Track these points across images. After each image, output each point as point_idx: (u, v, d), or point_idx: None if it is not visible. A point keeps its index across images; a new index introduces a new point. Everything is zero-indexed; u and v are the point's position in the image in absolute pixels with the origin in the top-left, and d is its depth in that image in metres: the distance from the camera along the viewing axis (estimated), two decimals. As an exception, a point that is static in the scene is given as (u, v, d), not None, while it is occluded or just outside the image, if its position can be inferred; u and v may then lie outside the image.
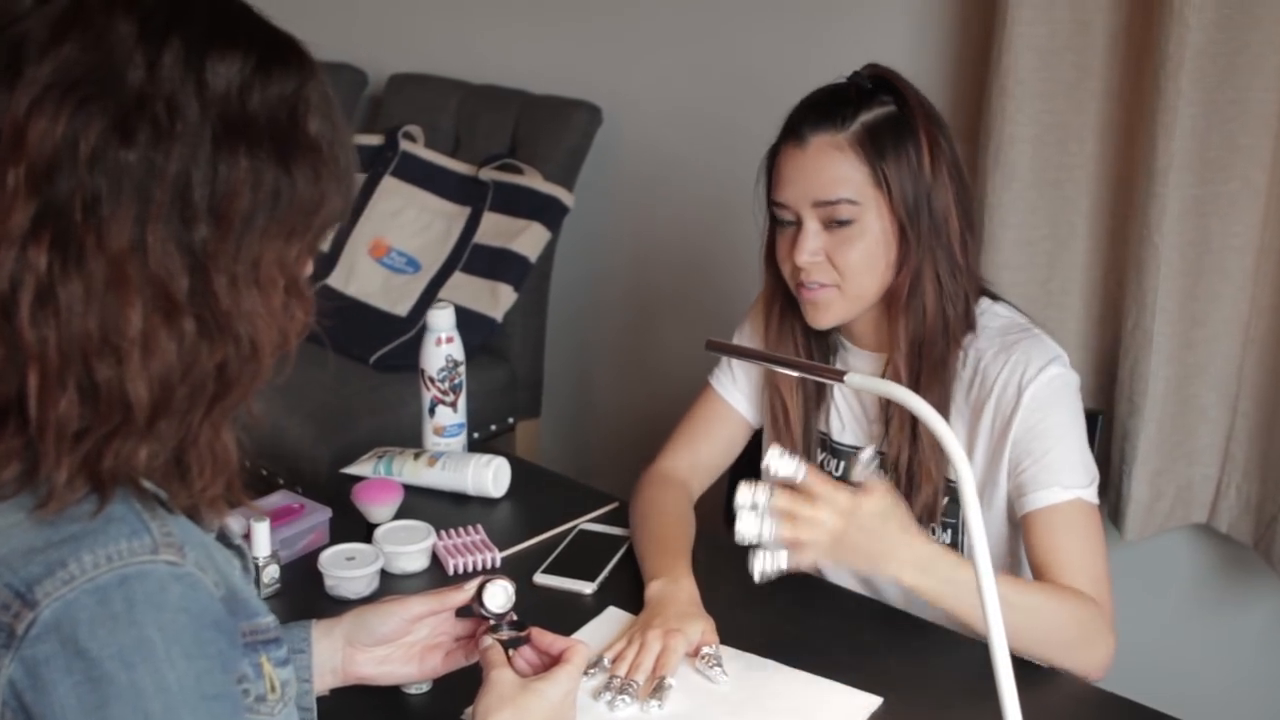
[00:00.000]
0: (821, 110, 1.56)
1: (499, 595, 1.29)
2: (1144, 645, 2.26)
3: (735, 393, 1.78)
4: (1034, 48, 2.02)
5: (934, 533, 1.63)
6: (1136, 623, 2.28)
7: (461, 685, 1.39)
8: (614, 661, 1.43)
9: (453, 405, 1.93)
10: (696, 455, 1.78)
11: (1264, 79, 1.90)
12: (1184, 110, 1.89)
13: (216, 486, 0.97)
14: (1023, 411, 1.54)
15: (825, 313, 1.58)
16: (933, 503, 1.60)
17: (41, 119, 0.85)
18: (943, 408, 1.57)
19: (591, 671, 1.42)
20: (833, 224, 1.54)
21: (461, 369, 1.92)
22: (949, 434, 1.03)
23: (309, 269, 1.01)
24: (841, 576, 1.74)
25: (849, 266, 1.54)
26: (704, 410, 1.79)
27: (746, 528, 1.32)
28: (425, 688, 1.41)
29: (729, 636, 1.49)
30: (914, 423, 1.58)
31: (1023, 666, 1.45)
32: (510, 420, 2.91)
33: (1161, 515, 2.10)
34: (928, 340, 1.56)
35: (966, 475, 1.03)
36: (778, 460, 1.31)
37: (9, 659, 0.87)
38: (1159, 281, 1.96)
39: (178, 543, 0.91)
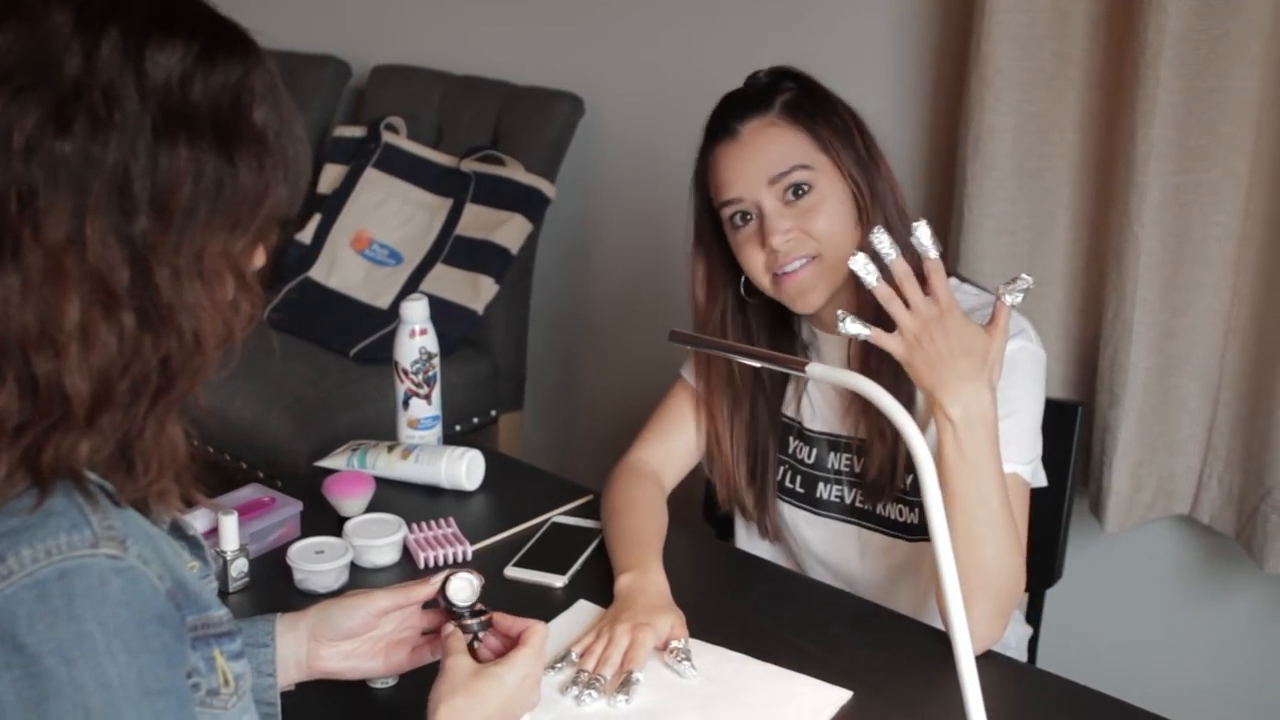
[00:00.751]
0: (740, 103, 1.60)
1: (464, 588, 1.28)
2: (1126, 637, 2.26)
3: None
4: (1014, 37, 2.01)
5: (900, 514, 1.63)
6: (1119, 615, 2.28)
7: (428, 680, 1.38)
8: (581, 656, 1.42)
9: (427, 398, 1.91)
10: (669, 448, 1.77)
11: (1244, 66, 1.88)
12: (1164, 98, 1.87)
13: (164, 480, 0.95)
14: None
15: (810, 293, 1.58)
16: (890, 471, 1.61)
17: None
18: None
19: (559, 665, 1.41)
20: (790, 197, 1.55)
21: (436, 361, 1.91)
22: (908, 421, 1.02)
23: (257, 261, 0.99)
24: (816, 570, 1.73)
25: (821, 231, 1.55)
26: (676, 403, 1.78)
27: (862, 268, 1.36)
28: (391, 683, 1.39)
29: (699, 630, 1.48)
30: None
31: (991, 661, 1.45)
32: (493, 413, 2.90)
33: (1143, 507, 2.09)
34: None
35: (925, 460, 1.01)
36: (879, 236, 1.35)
37: None
38: (1139, 271, 1.95)
39: (119, 536, 0.90)
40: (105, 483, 0.93)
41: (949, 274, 1.61)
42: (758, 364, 1.48)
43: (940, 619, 1.52)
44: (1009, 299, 1.39)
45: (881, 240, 1.36)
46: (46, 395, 0.87)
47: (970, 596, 1.38)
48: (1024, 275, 1.39)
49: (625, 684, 1.37)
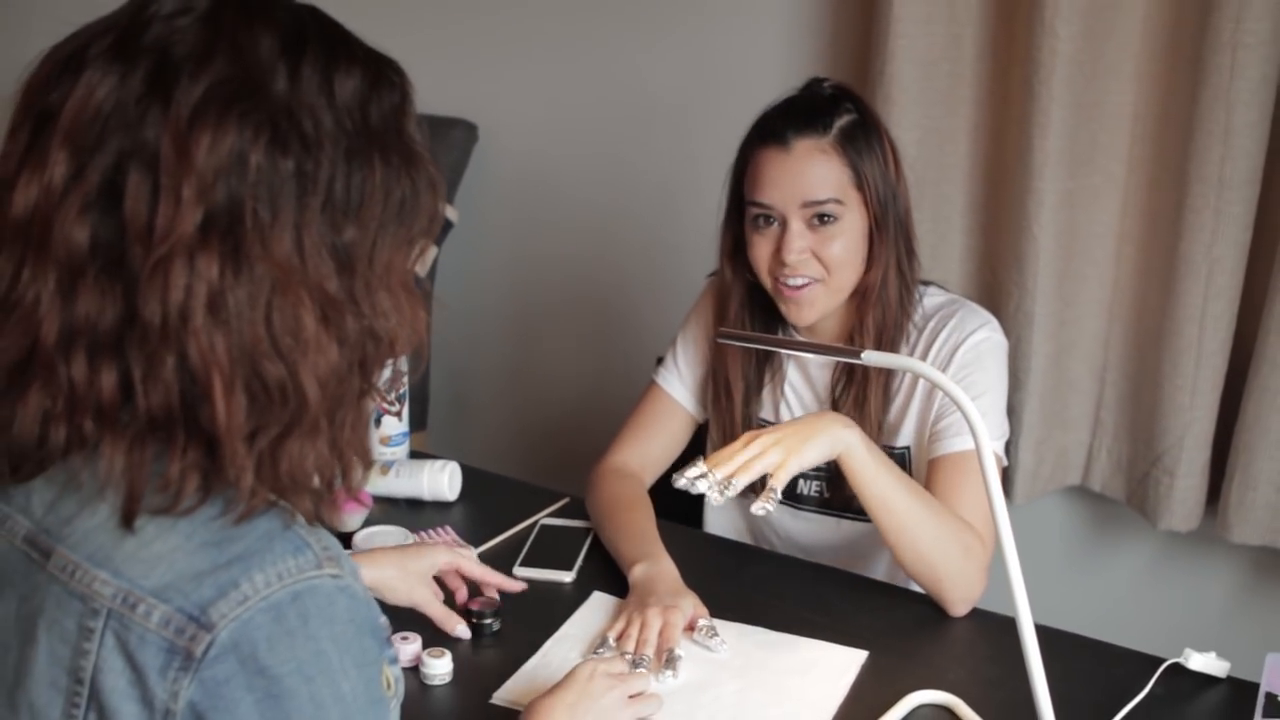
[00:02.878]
0: (800, 115, 1.67)
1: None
2: (1031, 598, 2.47)
3: (681, 389, 1.90)
4: (913, 59, 2.21)
5: None
6: (1024, 578, 2.50)
7: (487, 669, 1.47)
8: (619, 639, 1.52)
9: (398, 414, 1.99)
10: (646, 450, 1.89)
11: (1119, 82, 2.12)
12: (1055, 113, 2.10)
13: (361, 479, 1.01)
14: (953, 368, 1.71)
15: (809, 309, 1.70)
16: None
17: (205, 133, 0.88)
18: (891, 382, 1.73)
19: (599, 651, 1.51)
20: (815, 222, 1.66)
21: (405, 379, 1.97)
22: (967, 402, 1.17)
23: (420, 270, 1.06)
24: (791, 553, 1.88)
25: (833, 260, 1.67)
26: (651, 407, 1.90)
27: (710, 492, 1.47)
28: (448, 678, 1.48)
29: (710, 612, 1.60)
30: (863, 403, 1.73)
31: (975, 616, 1.61)
32: (400, 434, 2.95)
33: (1044, 480, 2.31)
34: (889, 327, 1.71)
35: (985, 445, 1.17)
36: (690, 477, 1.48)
37: (188, 681, 0.89)
38: (1039, 268, 2.17)
39: (335, 555, 0.95)
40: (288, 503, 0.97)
41: (925, 282, 1.80)
42: (811, 354, 1.61)
43: (916, 586, 1.69)
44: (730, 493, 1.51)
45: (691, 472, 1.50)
46: (281, 401, 0.92)
47: (935, 573, 1.59)
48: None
49: (669, 661, 1.49)
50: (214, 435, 0.91)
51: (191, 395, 0.90)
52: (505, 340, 3.10)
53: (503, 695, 1.45)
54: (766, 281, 1.71)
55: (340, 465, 0.98)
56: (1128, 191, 2.18)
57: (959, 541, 1.60)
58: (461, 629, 1.55)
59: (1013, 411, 2.26)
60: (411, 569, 1.56)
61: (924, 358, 1.73)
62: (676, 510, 2.11)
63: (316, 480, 0.97)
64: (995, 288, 2.30)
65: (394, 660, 1.06)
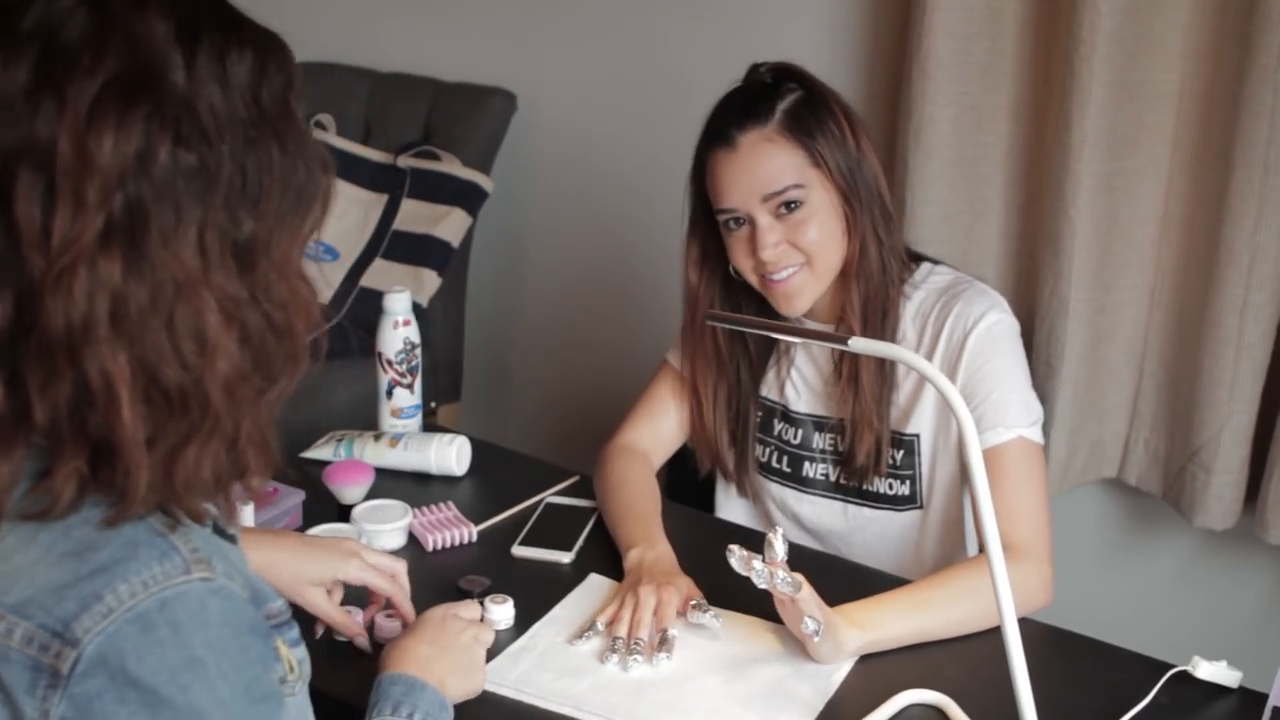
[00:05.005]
0: (740, 109, 1.62)
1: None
2: (1062, 593, 2.41)
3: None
4: (951, 33, 2.13)
5: (890, 487, 1.74)
6: (1056, 572, 2.43)
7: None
8: (610, 624, 1.49)
9: (410, 387, 1.97)
10: (656, 429, 1.85)
11: (1166, 61, 2.04)
12: (1096, 91, 2.02)
13: (265, 477, 0.98)
14: (966, 357, 1.64)
15: (798, 298, 1.65)
16: (875, 453, 1.71)
17: (107, 131, 0.84)
18: (887, 364, 1.69)
19: (587, 635, 1.48)
20: (782, 211, 1.61)
21: (418, 351, 1.96)
22: (955, 396, 1.12)
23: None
24: (805, 543, 1.83)
25: (811, 244, 1.62)
26: (662, 385, 1.86)
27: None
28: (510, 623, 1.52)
29: (706, 597, 1.56)
30: (856, 377, 1.68)
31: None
32: (432, 404, 2.93)
33: (1077, 470, 2.24)
34: (875, 297, 1.66)
35: (970, 431, 1.11)
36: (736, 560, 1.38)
37: (58, 698, 0.86)
38: (1074, 251, 2.10)
39: (205, 557, 0.91)
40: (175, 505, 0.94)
41: (919, 258, 1.74)
42: (798, 340, 1.57)
43: None
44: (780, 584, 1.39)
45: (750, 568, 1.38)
46: (182, 408, 0.88)
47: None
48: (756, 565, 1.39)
49: (663, 643, 1.45)
50: (110, 443, 0.87)
51: (86, 403, 0.87)
52: (541, 310, 3.07)
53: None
54: (753, 280, 1.67)
55: (238, 468, 0.94)
56: (1172, 175, 2.10)
57: (1018, 594, 1.52)
58: (363, 641, 1.46)
59: (1045, 400, 2.18)
60: (305, 573, 1.43)
61: (934, 343, 1.68)
62: (689, 493, 2.08)
63: (213, 485, 0.93)
64: (1032, 271, 2.23)
65: (296, 642, 1.04)
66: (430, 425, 2.85)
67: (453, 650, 1.35)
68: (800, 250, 1.62)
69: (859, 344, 1.19)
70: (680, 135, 2.75)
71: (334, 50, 3.13)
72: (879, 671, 1.45)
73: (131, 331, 0.86)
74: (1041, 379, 2.19)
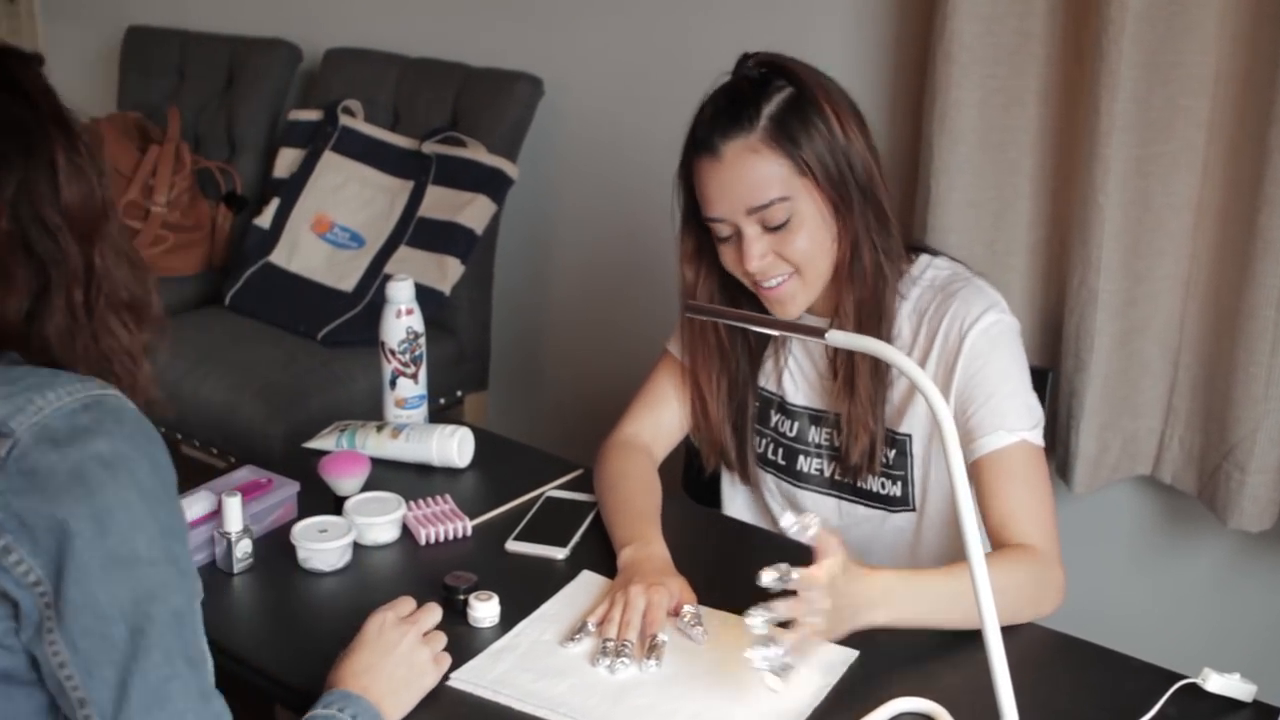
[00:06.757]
0: (725, 116, 1.56)
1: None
2: (1092, 594, 2.33)
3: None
4: (977, 14, 2.06)
5: (883, 486, 1.68)
6: (1085, 573, 2.35)
7: (461, 646, 1.41)
8: (600, 624, 1.45)
9: (413, 377, 1.93)
10: (658, 421, 1.80)
11: (1200, 42, 1.95)
12: (1126, 73, 1.93)
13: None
14: (964, 359, 1.58)
15: (790, 304, 1.60)
16: (870, 452, 1.65)
17: None
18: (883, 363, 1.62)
19: (577, 636, 1.44)
20: (769, 224, 1.56)
21: (422, 341, 1.93)
22: (930, 385, 1.06)
23: None
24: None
25: (800, 255, 1.57)
26: (663, 377, 1.81)
27: (761, 660, 1.29)
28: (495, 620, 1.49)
29: (701, 598, 1.52)
30: (851, 376, 1.62)
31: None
32: (459, 394, 2.91)
33: (1108, 468, 2.16)
34: (871, 297, 1.60)
35: (949, 427, 1.06)
36: (769, 576, 1.29)
37: None
38: (1104, 239, 2.02)
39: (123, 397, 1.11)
40: None
41: (918, 249, 1.68)
42: (776, 332, 1.51)
43: None
44: (809, 536, 1.33)
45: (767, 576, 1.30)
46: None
47: (1017, 621, 1.47)
48: (785, 515, 1.33)
49: (653, 648, 1.40)
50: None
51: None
52: (569, 298, 3.03)
53: (462, 676, 1.39)
54: (746, 283, 1.62)
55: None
56: (1208, 160, 2.01)
57: (1031, 585, 1.50)
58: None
59: (1073, 394, 2.12)
60: None
61: (929, 342, 1.61)
62: (694, 489, 2.03)
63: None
64: (1062, 259, 2.15)
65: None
66: (450, 416, 2.83)
67: (391, 661, 1.33)
68: (788, 261, 1.57)
69: (836, 337, 1.14)
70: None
71: (364, 36, 3.11)
72: (871, 678, 1.39)
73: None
74: (1070, 371, 2.12)
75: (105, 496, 1.04)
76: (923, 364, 1.62)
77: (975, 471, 1.58)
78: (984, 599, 1.09)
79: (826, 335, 1.14)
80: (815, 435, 1.73)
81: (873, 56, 2.38)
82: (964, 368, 1.57)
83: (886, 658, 1.43)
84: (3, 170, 1.09)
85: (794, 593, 1.30)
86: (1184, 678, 1.37)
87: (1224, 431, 2.02)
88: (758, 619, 1.28)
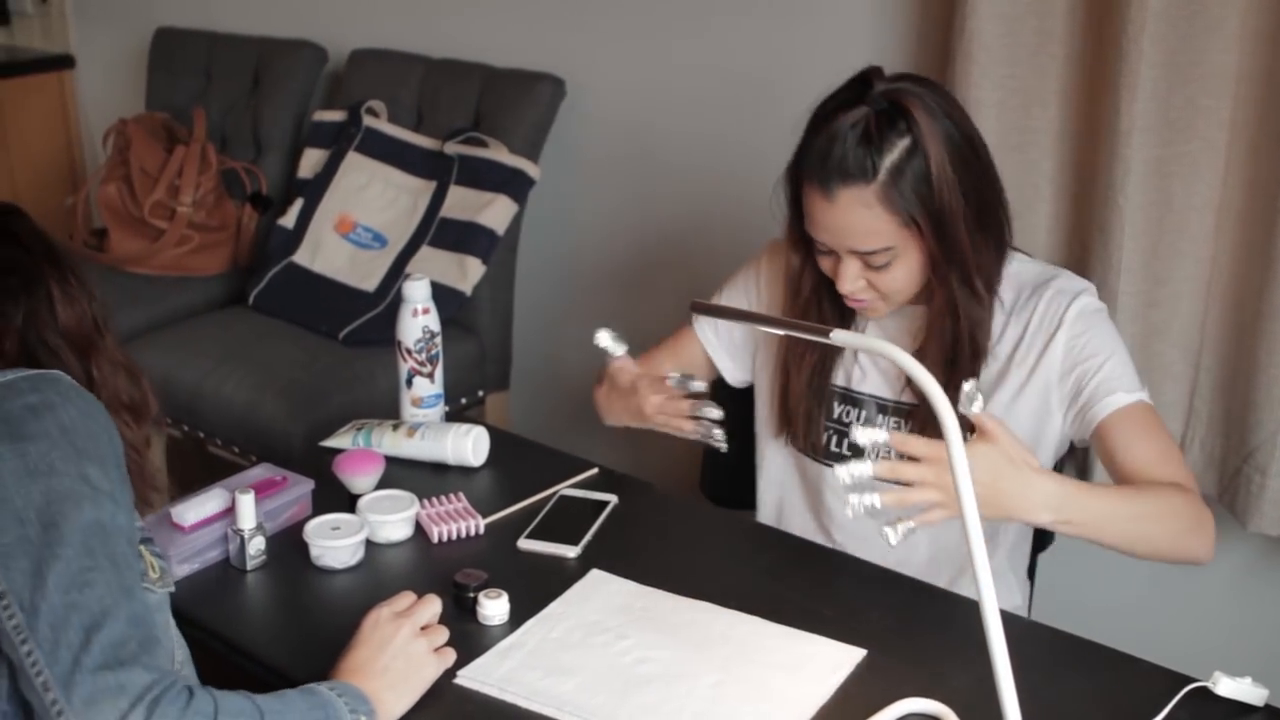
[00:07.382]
0: (847, 160, 1.53)
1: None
2: (1113, 596, 2.32)
3: (714, 341, 1.87)
4: (997, 14, 2.05)
5: None
6: (1106, 575, 2.34)
7: (469, 644, 1.41)
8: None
9: (430, 376, 1.94)
10: (651, 366, 1.86)
11: (1222, 41, 1.93)
12: (1146, 73, 1.92)
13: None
14: (1066, 341, 1.62)
15: (872, 314, 1.66)
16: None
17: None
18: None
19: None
20: (872, 264, 1.59)
21: (438, 340, 1.93)
22: (934, 385, 1.06)
23: None
24: (811, 532, 1.78)
25: (892, 288, 1.60)
26: (674, 341, 1.91)
27: (856, 503, 1.31)
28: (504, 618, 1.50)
29: (714, 596, 1.52)
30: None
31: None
32: (480, 394, 2.92)
33: (1128, 470, 2.14)
34: (957, 342, 1.62)
35: (950, 421, 1.05)
36: (861, 432, 1.30)
37: None
38: (1124, 241, 2.00)
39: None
40: None
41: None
42: (781, 332, 1.51)
43: (942, 581, 1.57)
44: (975, 408, 1.33)
45: (865, 434, 1.31)
46: None
47: (1170, 556, 1.53)
48: (968, 381, 1.33)
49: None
50: None
51: None
52: (591, 299, 3.03)
53: (469, 674, 1.39)
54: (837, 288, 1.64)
55: None
56: (1229, 160, 1.99)
57: (1186, 513, 1.52)
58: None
59: (1093, 396, 2.10)
60: None
61: (1020, 335, 1.65)
62: (714, 491, 2.03)
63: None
64: (1083, 260, 2.13)
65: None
66: (471, 415, 2.84)
67: (388, 655, 1.34)
68: (878, 290, 1.61)
69: (840, 336, 1.13)
70: (727, 124, 2.71)
71: (388, 37, 3.12)
72: (882, 678, 1.38)
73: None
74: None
75: (27, 428, 1.18)
76: (1020, 361, 1.65)
77: (1103, 432, 1.60)
78: (986, 600, 1.08)
79: (831, 335, 1.14)
80: (881, 424, 1.73)
81: (893, 56, 2.37)
82: (1066, 349, 1.61)
83: (897, 657, 1.42)
84: (9, 302, 1.28)
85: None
86: (1194, 681, 1.36)
87: (1245, 434, 2.00)
88: (852, 469, 1.28)
